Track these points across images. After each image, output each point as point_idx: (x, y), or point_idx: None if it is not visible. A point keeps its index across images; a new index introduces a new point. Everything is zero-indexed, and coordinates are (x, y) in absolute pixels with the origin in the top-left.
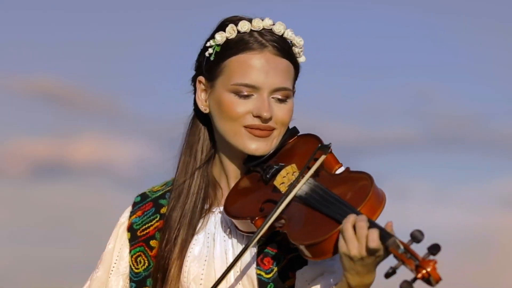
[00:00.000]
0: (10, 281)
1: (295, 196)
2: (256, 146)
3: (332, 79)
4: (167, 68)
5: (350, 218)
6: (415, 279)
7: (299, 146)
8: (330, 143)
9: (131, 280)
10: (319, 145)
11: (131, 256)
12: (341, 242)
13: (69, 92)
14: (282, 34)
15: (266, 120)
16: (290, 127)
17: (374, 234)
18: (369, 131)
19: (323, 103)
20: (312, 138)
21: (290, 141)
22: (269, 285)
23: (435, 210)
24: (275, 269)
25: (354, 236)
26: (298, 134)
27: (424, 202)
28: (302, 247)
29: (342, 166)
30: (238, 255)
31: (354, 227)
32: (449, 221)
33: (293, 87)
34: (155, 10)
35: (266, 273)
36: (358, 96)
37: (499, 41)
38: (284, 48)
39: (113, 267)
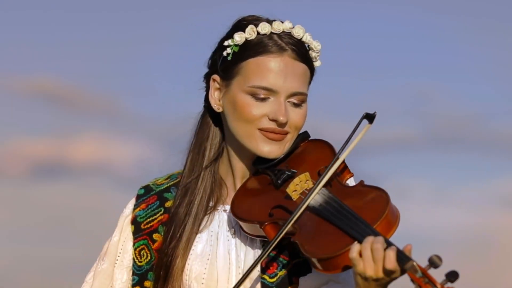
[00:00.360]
0: (10, 281)
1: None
2: (269, 149)
3: (332, 79)
4: (167, 68)
5: (369, 239)
6: None
7: (309, 151)
8: (376, 112)
9: (133, 273)
10: (365, 113)
11: (135, 249)
12: (357, 261)
13: (69, 92)
14: (301, 38)
15: (282, 124)
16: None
17: (391, 255)
18: (369, 131)
19: (323, 103)
20: (323, 144)
21: (301, 145)
22: None
23: (435, 210)
24: (279, 273)
25: (372, 257)
26: (309, 139)
27: (424, 202)
28: (314, 260)
29: (353, 175)
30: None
31: (371, 248)
32: (449, 221)
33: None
34: (155, 10)
35: (270, 277)
36: (358, 96)
37: (499, 41)
38: (302, 52)
39: (117, 260)
